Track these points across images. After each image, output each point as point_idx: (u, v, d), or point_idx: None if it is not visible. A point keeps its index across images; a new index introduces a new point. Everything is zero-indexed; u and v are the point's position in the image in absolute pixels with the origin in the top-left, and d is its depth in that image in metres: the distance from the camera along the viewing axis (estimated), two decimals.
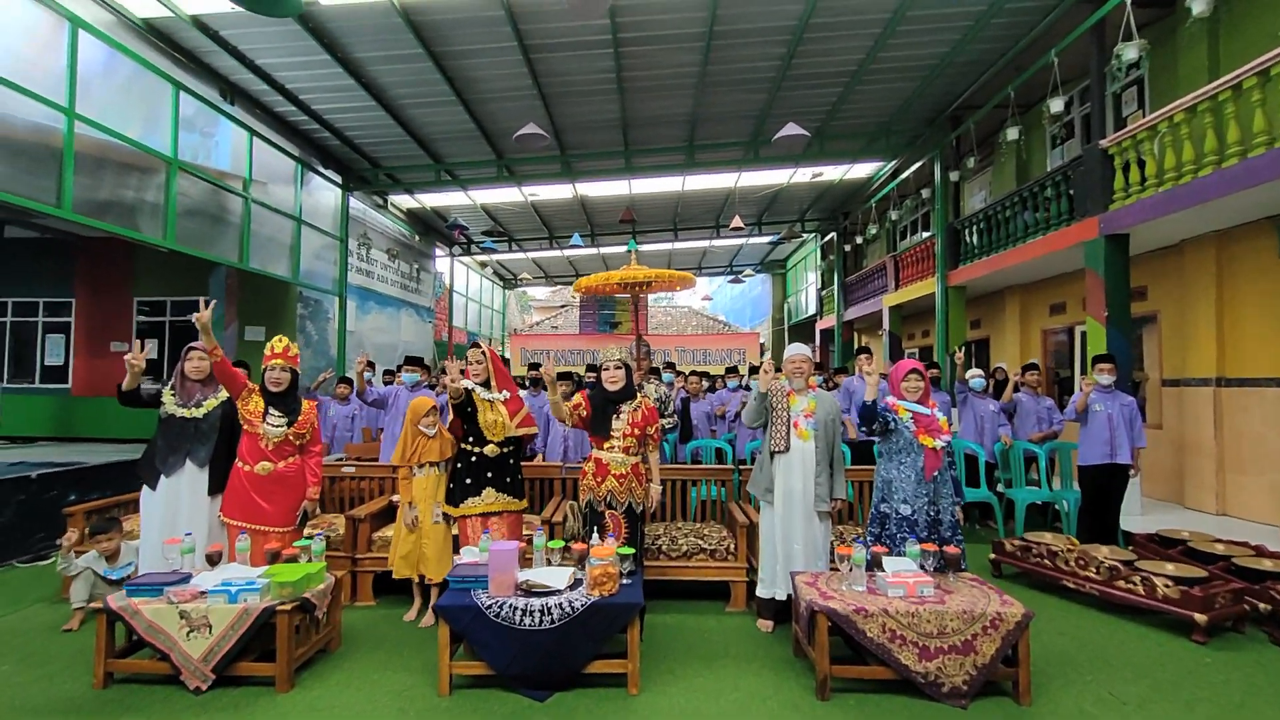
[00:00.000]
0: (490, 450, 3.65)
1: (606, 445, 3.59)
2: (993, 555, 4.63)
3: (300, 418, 3.66)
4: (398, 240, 12.66)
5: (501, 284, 20.51)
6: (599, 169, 10.30)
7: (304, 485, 3.66)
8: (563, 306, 24.61)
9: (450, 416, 3.80)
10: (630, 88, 7.98)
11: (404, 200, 12.24)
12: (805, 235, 16.68)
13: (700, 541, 4.03)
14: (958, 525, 3.44)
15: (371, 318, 11.76)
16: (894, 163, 11.15)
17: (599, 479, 3.58)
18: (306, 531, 3.66)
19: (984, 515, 6.17)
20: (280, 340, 3.71)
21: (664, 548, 4.00)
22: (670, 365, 8.41)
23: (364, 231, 11.01)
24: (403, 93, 7.84)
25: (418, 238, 13.19)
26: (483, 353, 3.77)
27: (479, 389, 3.75)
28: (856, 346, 13.66)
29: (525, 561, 3.22)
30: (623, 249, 16.05)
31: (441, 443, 3.79)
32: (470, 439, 3.69)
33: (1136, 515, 5.80)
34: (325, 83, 7.47)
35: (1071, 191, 6.92)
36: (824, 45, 7.23)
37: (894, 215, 11.39)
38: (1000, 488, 5.96)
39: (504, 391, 3.79)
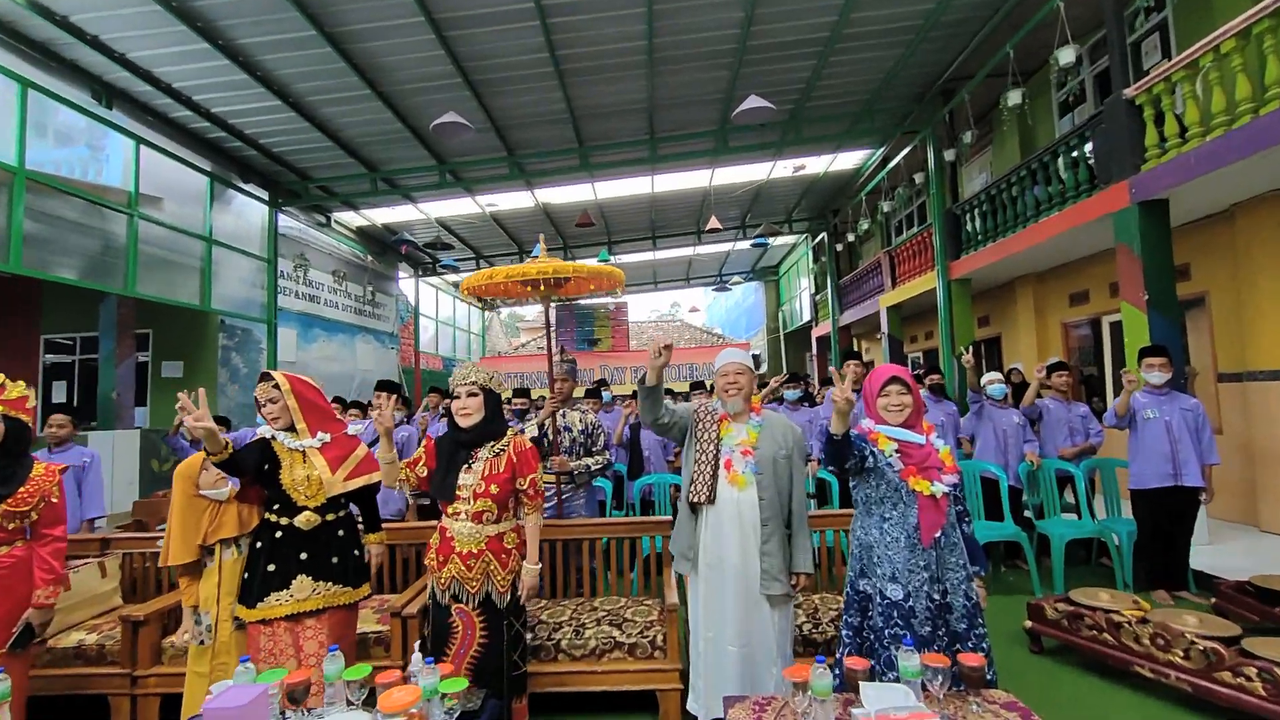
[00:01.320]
0: (304, 520, 2.52)
1: (451, 510, 2.48)
2: (1029, 623, 3.43)
3: (20, 488, 2.53)
4: (348, 261, 11.68)
5: (480, 305, 19.52)
6: (553, 169, 9.30)
7: (25, 588, 2.53)
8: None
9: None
10: (570, 70, 6.98)
11: (351, 218, 11.28)
12: (793, 236, 15.64)
13: (616, 632, 2.86)
14: (978, 611, 2.28)
15: (318, 346, 10.73)
16: (883, 149, 10.10)
17: (441, 559, 2.46)
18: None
19: (1010, 554, 4.95)
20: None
21: (564, 643, 2.84)
22: (602, 384, 7.24)
23: (301, 253, 10.03)
24: (307, 87, 6.86)
25: (370, 258, 12.21)
26: (275, 385, 2.65)
27: (280, 436, 2.64)
28: (842, 351, 12.56)
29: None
30: (599, 262, 15.04)
31: (242, 510, 2.67)
32: (275, 506, 2.57)
33: (1204, 544, 4.58)
34: (214, 78, 6.50)
35: (1091, 157, 5.80)
36: (787, 7, 6.21)
37: (886, 207, 10.30)
38: (1029, 515, 4.77)
39: (320, 434, 2.68)
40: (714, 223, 10.50)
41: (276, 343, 9.07)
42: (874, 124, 8.78)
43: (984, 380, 4.93)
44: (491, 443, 2.56)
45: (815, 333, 15.34)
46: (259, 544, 2.56)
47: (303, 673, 2.01)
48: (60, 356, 8.78)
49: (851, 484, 2.43)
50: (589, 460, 3.84)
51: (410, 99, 7.29)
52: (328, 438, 2.69)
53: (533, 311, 19.93)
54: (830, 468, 2.68)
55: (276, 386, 2.64)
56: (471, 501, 2.45)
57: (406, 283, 14.57)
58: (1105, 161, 5.51)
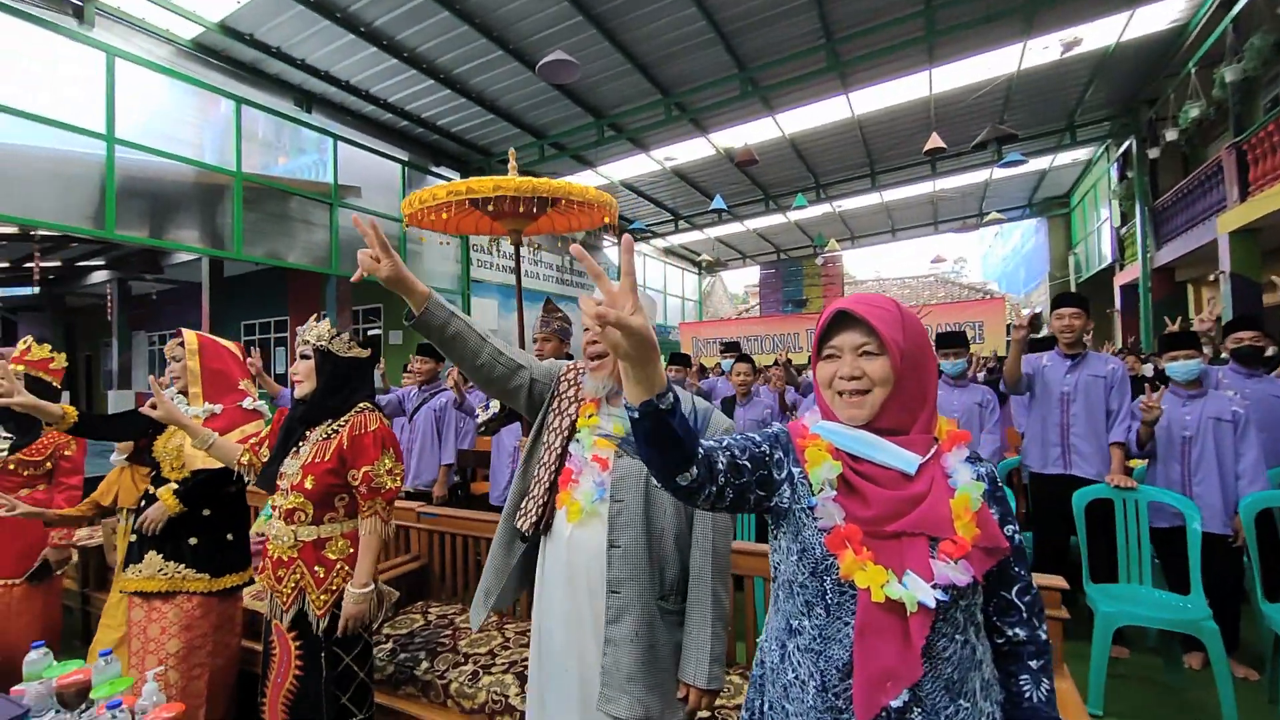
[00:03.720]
0: (164, 493, 2.26)
1: (272, 504, 1.94)
2: None
3: (36, 441, 2.80)
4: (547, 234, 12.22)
5: (697, 270, 19.08)
6: (713, 102, 8.10)
7: (42, 527, 2.78)
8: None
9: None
10: None
11: None
12: (1084, 150, 11.46)
13: (514, 688, 2.01)
14: None
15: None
16: None
17: (259, 564, 1.97)
18: None
19: (1187, 645, 2.49)
20: (25, 341, 2.91)
21: (454, 687, 2.08)
22: (733, 346, 5.75)
23: None
24: (453, 62, 7.05)
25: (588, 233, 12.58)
26: (180, 344, 2.42)
27: (175, 400, 2.42)
28: (1156, 305, 8.41)
29: None
30: (819, 209, 13.22)
31: (136, 476, 2.57)
32: (151, 474, 2.38)
33: None
34: (395, 77, 7.32)
35: None
36: None
37: (1230, 75, 6.57)
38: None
39: (208, 405, 2.38)
40: (935, 140, 8.04)
41: (470, 312, 9.86)
42: None
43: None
44: (329, 420, 1.92)
45: (1119, 279, 11.12)
46: (137, 514, 2.40)
47: (81, 673, 1.68)
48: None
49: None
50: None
51: (540, 52, 6.95)
52: (217, 409, 2.38)
53: (754, 274, 18.57)
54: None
55: (182, 344, 2.43)
56: (287, 495, 1.86)
57: (615, 251, 14.84)
58: None
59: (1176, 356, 2.81)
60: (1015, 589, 0.99)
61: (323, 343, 1.94)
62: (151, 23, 5.97)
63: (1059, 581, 1.69)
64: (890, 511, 0.93)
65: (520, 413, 1.66)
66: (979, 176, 12.57)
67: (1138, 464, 3.08)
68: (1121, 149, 10.32)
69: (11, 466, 2.72)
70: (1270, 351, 3.67)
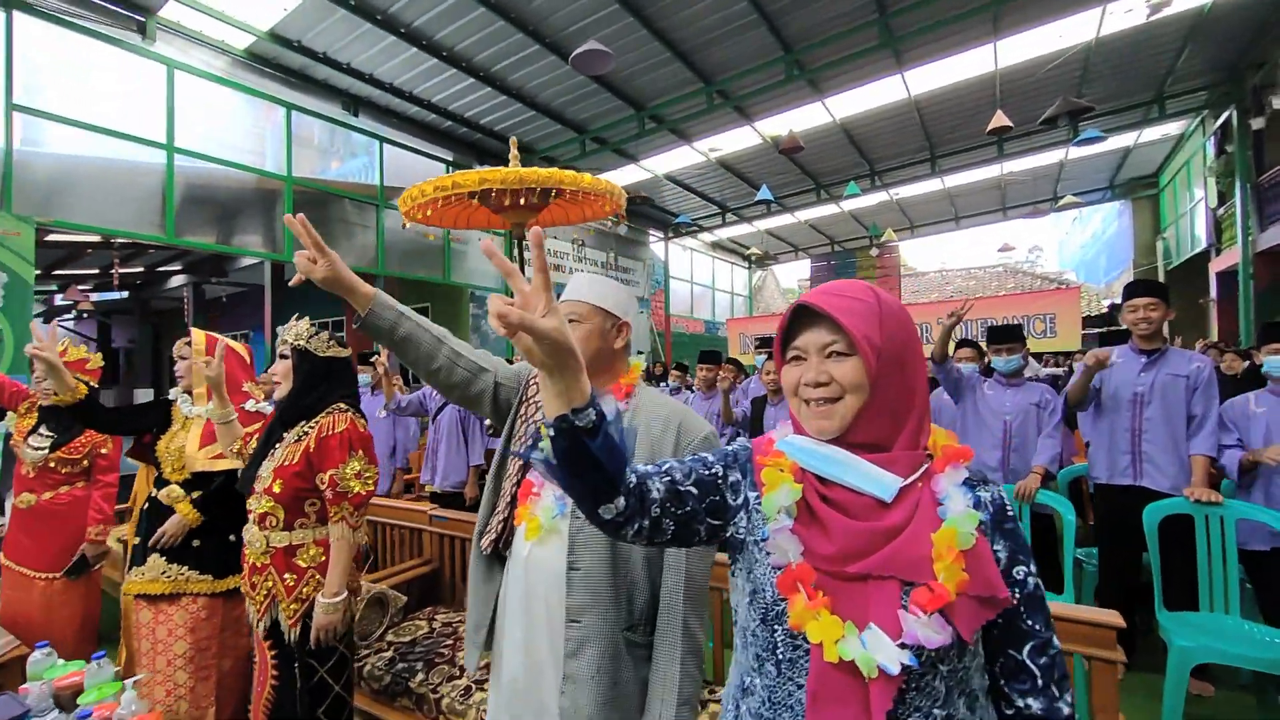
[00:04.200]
0: (165, 495, 2.30)
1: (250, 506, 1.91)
2: None
3: (75, 440, 2.92)
4: (588, 228, 12.18)
5: (747, 265, 18.62)
6: (757, 87, 7.80)
7: (80, 523, 2.90)
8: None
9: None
10: None
11: None
12: (1175, 124, 10.42)
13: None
14: None
15: (563, 310, 11.49)
16: None
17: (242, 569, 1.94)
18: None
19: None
20: (62, 344, 3.04)
21: (446, 701, 2.01)
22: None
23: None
24: (487, 57, 7.03)
25: (611, 223, 12.49)
26: (187, 343, 2.44)
27: (181, 400, 2.46)
28: (1258, 296, 7.47)
29: None
30: (874, 198, 12.65)
31: (150, 475, 2.63)
32: (157, 475, 2.42)
33: None
34: (437, 77, 7.40)
35: None
36: None
37: None
38: None
39: (220, 407, 2.40)
40: (1000, 119, 7.45)
41: None
42: None
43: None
44: (302, 421, 1.88)
45: (1215, 265, 10.06)
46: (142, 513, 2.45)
47: (76, 675, 1.73)
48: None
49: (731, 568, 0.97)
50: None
51: (576, 44, 6.85)
52: (226, 415, 2.39)
53: (806, 268, 17.86)
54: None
55: (189, 343, 2.46)
56: (260, 499, 1.83)
57: (662, 247, 14.67)
58: None
59: (1278, 349, 2.42)
60: (1027, 648, 0.79)
61: (300, 342, 1.89)
62: (208, 34, 6.25)
63: (1114, 619, 1.43)
64: (856, 547, 0.75)
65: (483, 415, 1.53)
66: (1053, 157, 11.66)
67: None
68: (1220, 120, 9.30)
69: (52, 464, 2.84)
70: None
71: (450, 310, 9.72)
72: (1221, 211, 9.66)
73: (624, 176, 11.10)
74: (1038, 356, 7.84)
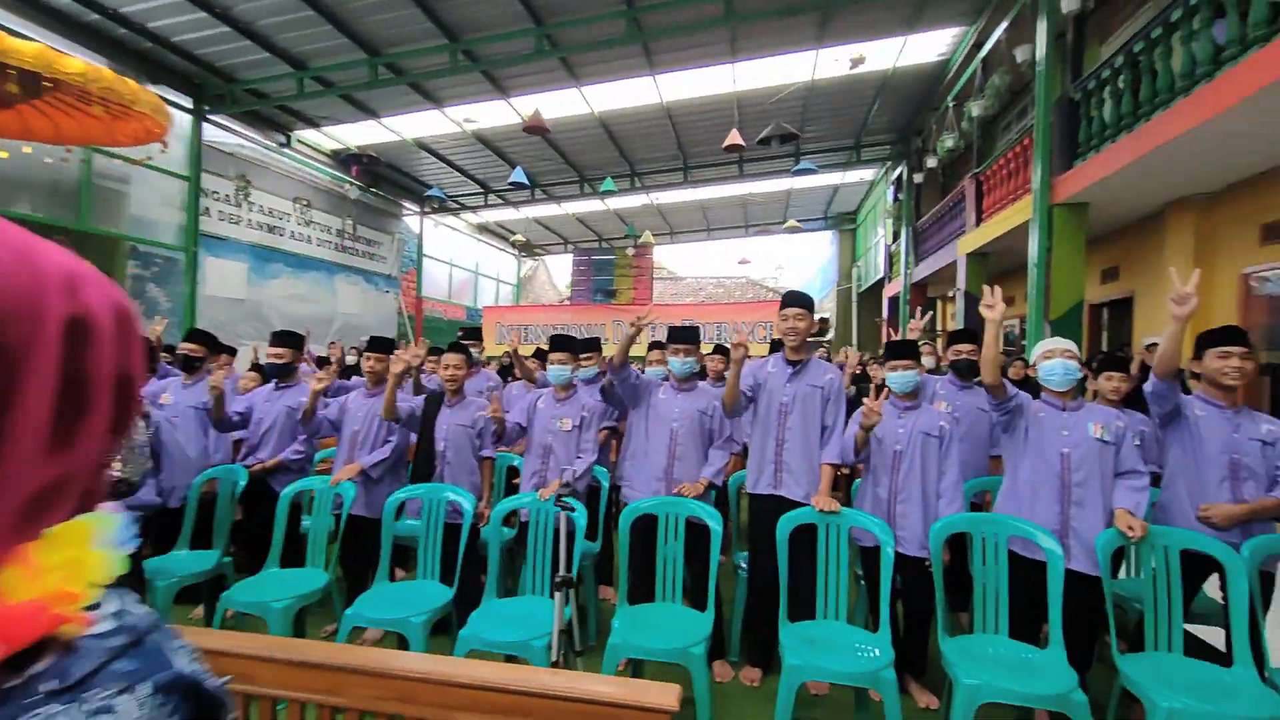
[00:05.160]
0: None
1: None
2: None
3: None
4: (322, 190, 10.43)
5: (516, 252, 18.03)
6: (505, 54, 7.25)
7: None
8: None
9: None
10: None
11: (319, 139, 9.92)
12: (870, 170, 12.54)
13: None
14: None
15: (280, 283, 9.64)
16: (976, 26, 7.08)
17: None
18: None
19: None
20: None
21: None
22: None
23: (243, 174, 8.81)
24: None
25: (350, 186, 10.85)
26: None
27: None
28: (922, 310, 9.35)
29: None
30: (649, 198, 12.92)
31: None
32: None
33: None
34: None
35: None
36: None
37: (976, 110, 7.29)
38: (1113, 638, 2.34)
39: None
40: (735, 137, 7.99)
41: (197, 273, 7.95)
42: None
43: (1038, 360, 2.49)
44: None
45: (887, 292, 12.35)
46: None
47: None
48: None
49: None
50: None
51: None
52: None
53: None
54: None
55: None
56: None
57: (417, 221, 13.28)
58: None
59: (897, 366, 2.62)
60: None
61: None
62: None
63: (668, 700, 1.18)
64: None
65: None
66: (784, 184, 13.20)
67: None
68: (896, 172, 11.38)
69: None
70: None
71: (98, 264, 7.36)
72: (893, 248, 11.86)
73: (364, 133, 9.66)
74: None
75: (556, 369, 2.99)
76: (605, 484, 3.26)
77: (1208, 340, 2.43)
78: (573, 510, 1.92)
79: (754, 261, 19.97)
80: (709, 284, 20.19)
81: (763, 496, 2.63)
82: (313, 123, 9.20)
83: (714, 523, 2.45)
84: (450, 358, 3.16)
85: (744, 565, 2.85)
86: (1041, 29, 5.72)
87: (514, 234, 15.25)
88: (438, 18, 6.61)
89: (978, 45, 7.27)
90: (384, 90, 8.06)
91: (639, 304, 12.77)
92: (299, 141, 9.65)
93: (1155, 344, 5.01)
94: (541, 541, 2.57)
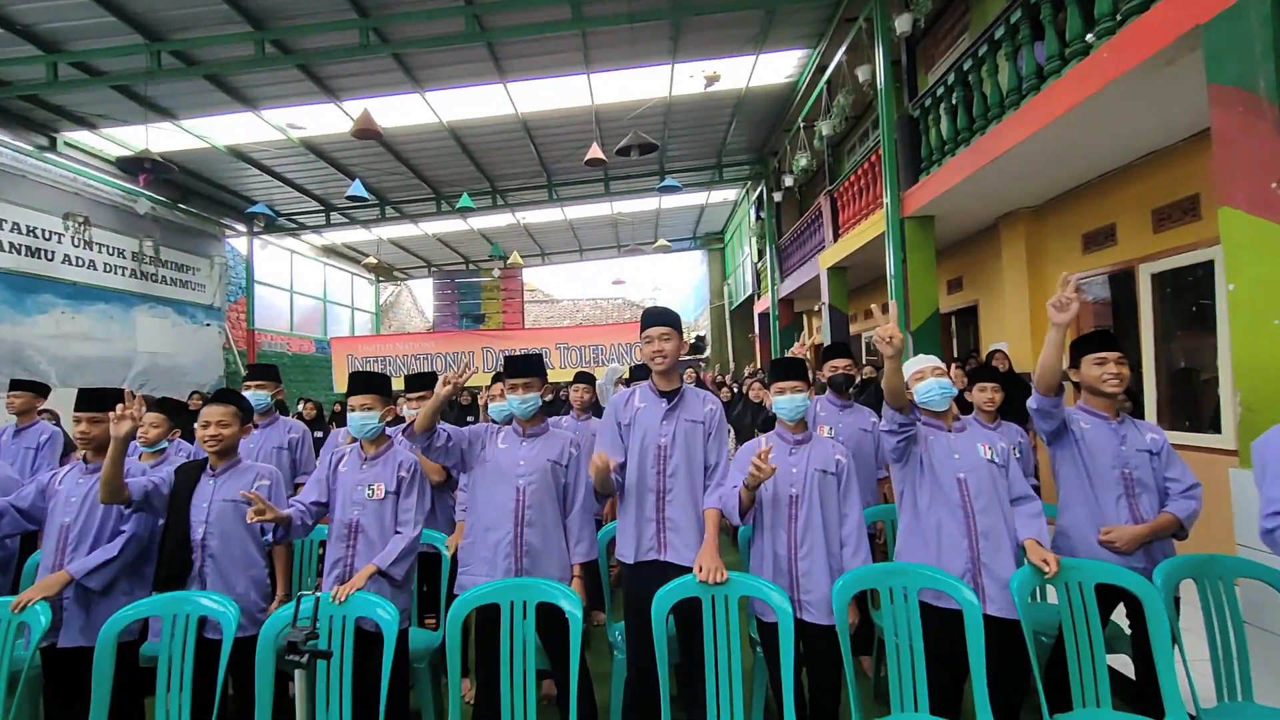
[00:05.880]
0: None
1: None
2: None
3: None
4: (106, 205, 8.63)
5: (374, 278, 16.43)
6: (324, 46, 6.34)
7: None
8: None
9: None
10: None
11: (101, 144, 8.18)
12: (732, 191, 12.84)
13: None
14: None
15: (50, 319, 7.74)
16: (820, 47, 7.31)
17: None
18: None
19: None
20: None
21: None
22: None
23: None
24: None
25: (143, 200, 9.08)
26: None
27: None
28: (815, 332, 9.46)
29: None
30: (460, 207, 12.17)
31: None
32: None
33: None
34: None
35: None
36: None
37: (826, 129, 7.52)
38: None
39: None
40: (596, 151, 7.61)
41: None
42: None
43: (914, 380, 2.21)
44: None
45: (757, 308, 12.61)
46: None
47: None
48: None
49: None
50: None
51: None
52: None
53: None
54: None
55: None
56: None
57: (245, 244, 11.52)
58: None
59: (785, 389, 2.19)
60: None
61: None
62: None
63: None
64: None
65: None
66: (652, 204, 13.13)
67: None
68: (758, 191, 11.69)
69: None
70: (859, 379, 3.63)
71: None
72: (760, 265, 12.14)
73: (161, 138, 8.09)
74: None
75: (359, 416, 2.25)
76: (445, 553, 2.57)
77: (1082, 347, 2.29)
78: (328, 655, 1.25)
79: (630, 282, 19.93)
80: (586, 305, 19.76)
81: (643, 565, 2.10)
82: (85, 122, 7.54)
83: (572, 607, 1.88)
84: (212, 411, 2.32)
85: (620, 640, 2.30)
86: (879, 52, 5.93)
87: (366, 256, 13.82)
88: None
89: (821, 68, 7.53)
90: (178, 86, 6.78)
91: (510, 329, 11.99)
92: (69, 145, 7.88)
93: (1000, 350, 5.24)
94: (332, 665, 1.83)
